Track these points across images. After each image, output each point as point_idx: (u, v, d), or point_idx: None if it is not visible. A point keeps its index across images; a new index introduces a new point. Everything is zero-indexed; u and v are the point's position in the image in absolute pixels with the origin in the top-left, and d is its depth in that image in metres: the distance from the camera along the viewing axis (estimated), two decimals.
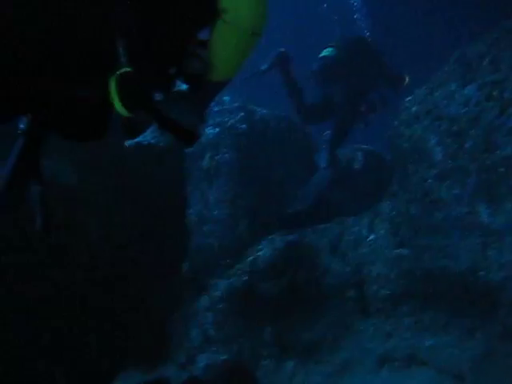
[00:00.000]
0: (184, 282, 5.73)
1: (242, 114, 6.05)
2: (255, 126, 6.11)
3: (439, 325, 4.81)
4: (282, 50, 6.59)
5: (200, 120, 1.60)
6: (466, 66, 4.83)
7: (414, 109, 5.00)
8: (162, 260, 5.06)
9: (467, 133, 4.56)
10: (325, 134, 6.67)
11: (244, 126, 5.98)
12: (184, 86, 1.61)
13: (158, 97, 1.55)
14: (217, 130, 5.82)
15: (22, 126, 1.63)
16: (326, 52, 6.55)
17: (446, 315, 4.78)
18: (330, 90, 6.56)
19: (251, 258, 5.58)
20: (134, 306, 4.59)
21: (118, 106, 1.39)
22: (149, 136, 4.51)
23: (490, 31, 4.79)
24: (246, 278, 5.49)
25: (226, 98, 6.59)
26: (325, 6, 9.12)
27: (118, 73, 1.36)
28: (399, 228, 5.09)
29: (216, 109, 6.33)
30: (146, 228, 4.77)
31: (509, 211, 4.34)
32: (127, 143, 4.40)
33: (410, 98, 5.20)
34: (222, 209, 5.82)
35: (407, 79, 6.57)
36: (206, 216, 5.89)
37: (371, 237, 5.28)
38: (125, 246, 4.45)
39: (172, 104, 1.54)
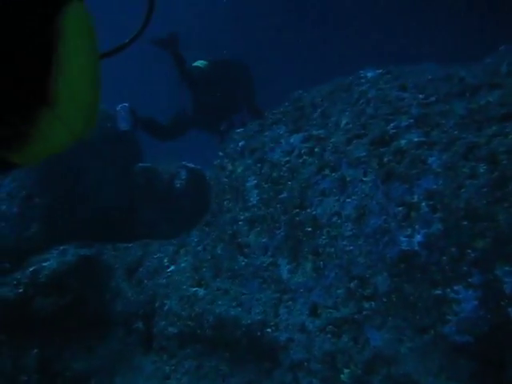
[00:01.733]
0: None
1: None
2: None
3: (219, 374, 4.55)
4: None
5: None
6: (299, 111, 4.61)
7: (241, 143, 4.66)
8: None
9: (285, 183, 4.33)
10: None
11: None
12: None
13: None
14: None
15: None
16: (199, 63, 6.66)
17: (227, 365, 4.53)
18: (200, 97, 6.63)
19: (34, 267, 4.85)
20: None
21: None
22: None
23: (326, 83, 4.62)
24: (22, 290, 4.75)
25: None
26: None
27: None
28: (202, 265, 4.74)
29: None
30: None
31: (307, 272, 4.18)
32: None
33: (241, 130, 4.86)
34: (12, 205, 4.99)
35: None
36: None
37: (171, 268, 4.86)
38: None
39: None
